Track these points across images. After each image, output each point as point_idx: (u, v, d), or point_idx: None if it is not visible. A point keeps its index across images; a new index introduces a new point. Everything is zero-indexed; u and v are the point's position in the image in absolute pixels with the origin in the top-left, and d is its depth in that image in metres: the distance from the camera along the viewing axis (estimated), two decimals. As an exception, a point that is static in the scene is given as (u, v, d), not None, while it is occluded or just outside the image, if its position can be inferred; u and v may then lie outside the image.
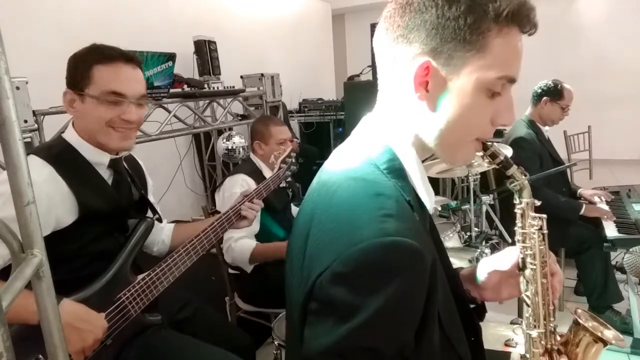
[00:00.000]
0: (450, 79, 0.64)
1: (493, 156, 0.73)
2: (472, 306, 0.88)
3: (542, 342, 0.76)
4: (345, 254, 0.57)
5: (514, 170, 0.75)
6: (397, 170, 0.68)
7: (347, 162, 0.70)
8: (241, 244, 1.86)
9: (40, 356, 0.99)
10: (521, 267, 0.79)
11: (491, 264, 0.85)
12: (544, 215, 0.77)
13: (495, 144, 0.73)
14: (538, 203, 0.77)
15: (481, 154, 0.73)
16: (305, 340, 0.63)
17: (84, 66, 1.15)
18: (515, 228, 0.79)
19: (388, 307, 0.57)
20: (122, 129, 1.18)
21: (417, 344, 0.62)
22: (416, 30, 0.64)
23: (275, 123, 2.09)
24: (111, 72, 1.16)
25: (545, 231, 0.77)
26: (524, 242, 0.77)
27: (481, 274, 0.87)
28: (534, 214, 0.77)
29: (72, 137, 1.18)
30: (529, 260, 0.77)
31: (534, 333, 0.76)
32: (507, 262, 0.81)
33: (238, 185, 1.90)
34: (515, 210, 0.78)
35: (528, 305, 0.77)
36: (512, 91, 0.69)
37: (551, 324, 0.77)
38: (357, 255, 0.57)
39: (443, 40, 0.62)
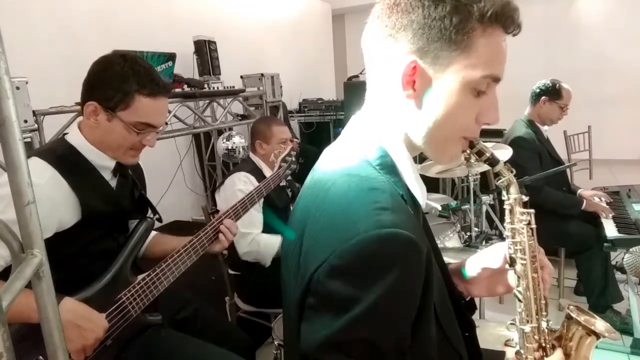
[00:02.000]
0: (436, 77, 0.65)
1: (480, 153, 0.74)
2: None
3: (536, 337, 0.76)
4: (342, 247, 0.58)
5: (500, 166, 0.76)
6: (389, 167, 0.69)
7: (339, 160, 0.71)
8: (267, 237, 1.89)
9: (41, 357, 0.99)
10: (511, 263, 0.79)
11: (481, 261, 0.86)
12: (532, 210, 0.77)
13: (480, 141, 0.74)
14: (526, 198, 0.78)
15: (468, 151, 0.74)
16: (303, 334, 0.63)
17: (123, 89, 1.12)
18: (505, 224, 0.79)
19: (385, 298, 0.57)
20: (137, 150, 1.22)
21: (414, 336, 0.62)
22: (403, 30, 0.65)
23: (277, 123, 2.10)
24: (152, 106, 1.16)
25: (534, 226, 0.77)
26: (513, 237, 0.78)
27: (470, 270, 0.87)
28: (522, 209, 0.77)
29: (77, 140, 1.18)
30: (519, 255, 0.77)
31: (527, 328, 0.76)
32: (497, 259, 0.82)
33: (241, 182, 1.91)
34: (504, 207, 0.79)
35: (520, 301, 0.77)
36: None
37: (544, 319, 0.77)
38: (353, 248, 0.57)
39: (429, 40, 0.63)
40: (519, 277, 0.77)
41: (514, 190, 0.77)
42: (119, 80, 1.12)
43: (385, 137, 0.71)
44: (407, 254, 0.58)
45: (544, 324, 0.77)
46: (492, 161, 0.75)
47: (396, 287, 0.57)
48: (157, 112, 1.18)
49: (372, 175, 0.66)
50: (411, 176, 0.70)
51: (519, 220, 0.77)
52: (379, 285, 0.57)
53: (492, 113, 0.68)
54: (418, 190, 0.71)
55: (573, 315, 0.77)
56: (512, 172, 0.77)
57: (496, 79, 0.66)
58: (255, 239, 1.88)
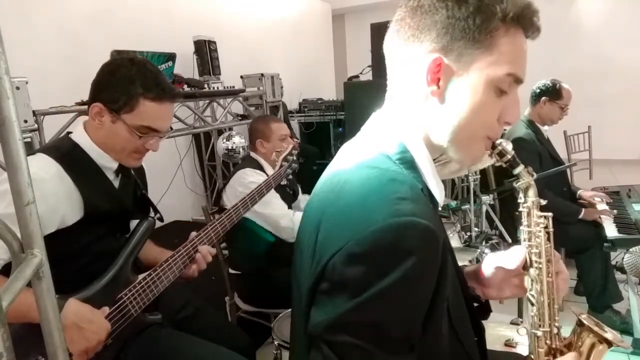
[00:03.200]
0: (460, 74, 0.66)
1: (501, 154, 0.74)
2: (475, 305, 0.89)
3: (547, 342, 0.76)
4: (360, 234, 0.58)
5: (521, 169, 0.76)
6: (408, 162, 0.69)
7: (358, 154, 0.71)
8: (300, 215, 1.89)
9: (40, 357, 0.99)
10: (525, 266, 0.79)
11: (497, 261, 0.85)
12: (550, 214, 0.78)
13: (503, 142, 0.74)
14: (544, 202, 0.78)
15: (489, 152, 0.74)
16: (312, 317, 0.63)
17: (128, 92, 1.12)
18: (521, 227, 0.79)
19: (400, 284, 0.57)
20: (141, 154, 1.22)
21: (425, 328, 0.62)
22: (427, 30, 0.66)
23: (275, 120, 2.12)
24: (156, 110, 1.16)
25: (551, 230, 0.77)
26: (529, 240, 0.78)
27: (487, 270, 0.87)
28: (539, 213, 0.77)
29: (82, 139, 1.18)
30: (534, 259, 0.77)
31: (539, 332, 0.76)
32: (514, 261, 0.82)
33: (249, 175, 1.92)
34: (521, 209, 0.79)
35: (533, 305, 0.77)
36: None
37: (556, 324, 0.77)
38: (372, 236, 0.58)
39: (453, 38, 0.64)
40: (532, 281, 0.77)
41: (532, 193, 0.77)
42: (125, 83, 1.13)
43: (406, 134, 0.71)
44: (425, 242, 0.58)
45: (555, 330, 0.77)
46: (513, 163, 0.76)
47: (412, 274, 0.57)
48: (161, 116, 1.19)
49: (392, 168, 0.67)
50: (430, 173, 0.70)
51: (536, 223, 0.77)
52: (395, 272, 0.57)
53: (513, 112, 0.69)
54: (436, 187, 0.71)
55: (585, 322, 0.76)
56: (532, 175, 0.77)
57: (518, 80, 0.67)
58: (293, 219, 1.89)
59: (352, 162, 0.71)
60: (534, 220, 0.77)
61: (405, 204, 0.60)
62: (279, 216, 1.89)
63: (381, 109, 0.77)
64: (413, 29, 0.67)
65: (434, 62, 0.65)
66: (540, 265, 0.76)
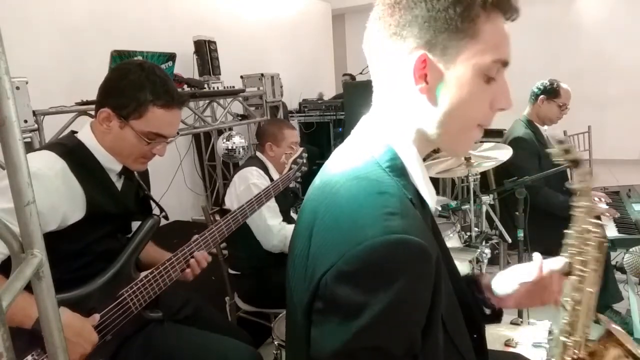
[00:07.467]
0: (447, 68, 0.65)
1: (567, 151, 0.73)
2: (487, 312, 0.89)
3: (575, 351, 0.75)
4: (350, 252, 0.57)
5: (584, 170, 0.75)
6: (399, 169, 0.68)
7: (349, 162, 0.71)
8: (292, 228, 1.90)
9: (39, 350, 0.98)
10: (568, 272, 0.77)
11: (516, 277, 0.84)
12: (605, 223, 0.76)
13: (572, 145, 0.73)
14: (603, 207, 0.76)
15: (557, 148, 0.72)
16: (313, 340, 0.63)
17: (137, 99, 1.13)
18: (570, 231, 0.77)
19: (395, 305, 0.56)
20: (147, 158, 1.22)
21: (422, 342, 0.62)
22: (408, 27, 0.65)
23: (288, 126, 2.13)
24: (165, 117, 1.17)
25: (607, 243, 0.75)
26: (579, 247, 0.75)
27: (505, 288, 0.86)
28: (594, 220, 0.75)
29: (88, 139, 1.18)
30: (578, 266, 0.75)
31: (569, 341, 0.74)
32: (532, 272, 0.81)
33: (254, 176, 1.92)
34: (575, 213, 0.76)
35: (565, 310, 0.75)
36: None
37: (587, 335, 0.75)
38: (362, 254, 0.57)
39: (436, 31, 0.63)
40: (571, 287, 0.75)
41: (587, 198, 0.75)
42: (134, 89, 1.13)
43: (396, 138, 0.70)
44: (417, 260, 0.58)
45: (584, 340, 0.75)
46: (579, 163, 0.74)
47: (405, 293, 0.57)
48: (169, 123, 1.19)
49: (381, 179, 0.66)
50: (421, 179, 0.70)
51: (589, 230, 0.74)
52: (387, 292, 0.56)
53: (504, 98, 0.68)
54: (427, 193, 0.70)
55: (615, 334, 0.75)
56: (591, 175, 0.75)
57: (505, 63, 0.66)
58: (282, 232, 1.89)
59: (343, 169, 0.70)
60: (587, 227, 0.74)
61: (395, 220, 0.59)
62: (271, 233, 1.89)
63: (370, 111, 0.76)
64: (394, 26, 0.66)
65: (419, 60, 0.64)
66: (584, 274, 0.74)
